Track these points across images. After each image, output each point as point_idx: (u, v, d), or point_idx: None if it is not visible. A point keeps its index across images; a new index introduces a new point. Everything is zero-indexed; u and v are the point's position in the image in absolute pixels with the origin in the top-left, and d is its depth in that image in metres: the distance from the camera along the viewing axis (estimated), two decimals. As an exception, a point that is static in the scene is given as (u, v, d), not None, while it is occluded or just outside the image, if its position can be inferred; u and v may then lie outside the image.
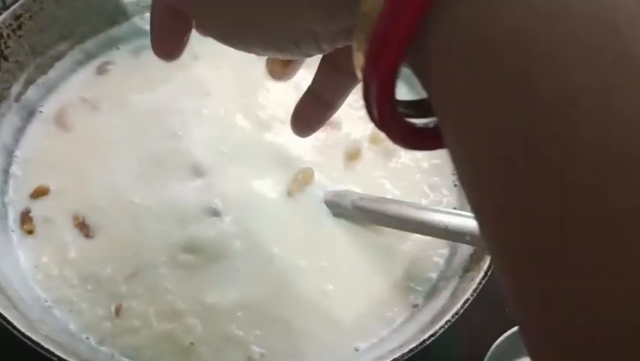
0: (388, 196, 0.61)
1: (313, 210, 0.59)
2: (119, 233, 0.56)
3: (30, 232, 0.56)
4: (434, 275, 0.57)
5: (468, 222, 0.52)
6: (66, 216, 0.57)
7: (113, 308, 0.53)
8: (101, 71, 0.67)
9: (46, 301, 0.53)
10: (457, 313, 0.49)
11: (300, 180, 0.60)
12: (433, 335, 0.47)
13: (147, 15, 0.68)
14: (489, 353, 0.61)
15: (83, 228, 0.56)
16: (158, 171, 0.60)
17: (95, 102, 0.64)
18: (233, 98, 0.66)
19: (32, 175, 0.59)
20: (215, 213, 0.58)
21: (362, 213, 0.58)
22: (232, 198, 0.59)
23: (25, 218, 0.57)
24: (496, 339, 0.62)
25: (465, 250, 0.56)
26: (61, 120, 0.63)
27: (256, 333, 0.53)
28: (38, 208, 0.57)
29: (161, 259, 0.55)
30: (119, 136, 0.62)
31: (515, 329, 0.62)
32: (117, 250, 0.56)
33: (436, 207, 0.57)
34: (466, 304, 0.49)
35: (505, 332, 0.62)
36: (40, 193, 0.58)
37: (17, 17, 0.60)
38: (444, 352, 0.72)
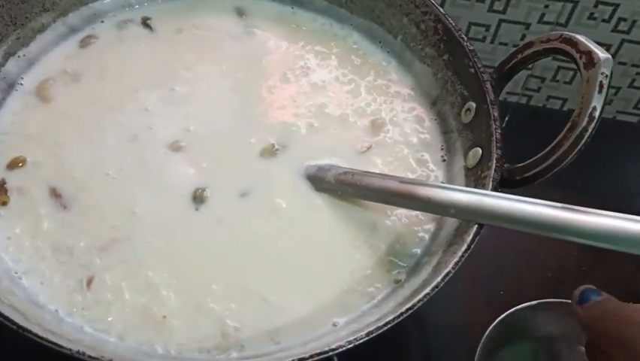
0: (375, 170, 0.59)
1: (294, 184, 0.58)
2: (94, 206, 0.55)
3: (4, 203, 0.55)
4: (418, 251, 0.55)
5: (452, 194, 0.49)
6: (42, 187, 0.56)
7: (84, 281, 0.52)
8: (85, 44, 0.66)
9: (16, 273, 0.52)
10: (436, 286, 0.46)
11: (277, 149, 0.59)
12: (410, 308, 0.45)
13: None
14: (485, 335, 0.59)
15: (58, 199, 0.55)
16: (135, 145, 0.59)
17: (77, 75, 0.63)
18: (217, 72, 0.65)
19: (9, 147, 0.58)
20: (194, 187, 0.56)
21: (345, 188, 0.56)
22: (210, 171, 0.58)
23: (0, 189, 0.55)
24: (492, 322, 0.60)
25: (451, 225, 0.54)
26: (41, 93, 0.61)
27: (231, 307, 0.51)
28: (14, 179, 0.56)
29: (136, 232, 0.54)
30: (98, 109, 0.61)
31: (512, 310, 0.61)
32: (92, 223, 0.54)
33: (420, 181, 0.55)
34: (447, 278, 0.47)
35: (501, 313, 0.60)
36: (16, 164, 0.57)
37: (-3, -13, 0.59)
38: (440, 335, 0.71)
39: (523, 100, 1.00)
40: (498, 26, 0.90)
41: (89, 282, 0.51)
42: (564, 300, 0.61)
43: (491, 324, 0.61)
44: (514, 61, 0.57)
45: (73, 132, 0.59)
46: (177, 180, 0.57)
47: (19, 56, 0.63)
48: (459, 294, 0.70)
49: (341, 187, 0.56)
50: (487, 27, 0.90)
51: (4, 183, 0.56)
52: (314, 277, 0.54)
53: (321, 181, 0.57)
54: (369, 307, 0.52)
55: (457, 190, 0.50)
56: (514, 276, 0.73)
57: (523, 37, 0.90)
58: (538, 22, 0.88)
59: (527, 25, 0.89)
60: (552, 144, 0.50)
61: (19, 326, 0.42)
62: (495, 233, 0.51)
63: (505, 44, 0.92)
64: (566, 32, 0.53)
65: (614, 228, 0.43)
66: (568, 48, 0.52)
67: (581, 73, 0.50)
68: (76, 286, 0.51)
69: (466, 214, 0.49)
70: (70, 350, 0.42)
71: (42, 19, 0.64)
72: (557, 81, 0.97)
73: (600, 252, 0.70)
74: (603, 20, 0.87)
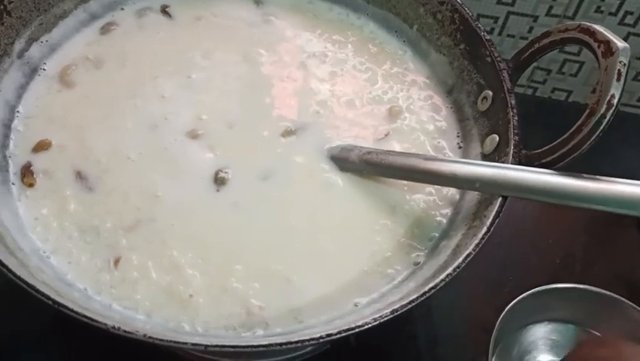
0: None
1: (314, 166, 0.59)
2: (118, 188, 0.56)
3: (31, 185, 0.56)
4: (436, 235, 0.57)
5: (476, 169, 0.51)
6: (67, 169, 0.57)
7: (111, 260, 0.53)
8: (105, 31, 0.67)
9: (44, 253, 0.53)
10: (458, 267, 0.48)
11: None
12: (433, 288, 0.47)
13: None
14: (500, 319, 0.60)
15: (83, 182, 0.56)
16: (154, 132, 0.60)
17: (98, 61, 0.64)
18: (235, 59, 0.66)
19: (34, 130, 0.59)
20: (217, 174, 0.58)
21: (369, 167, 0.57)
22: (229, 154, 0.59)
23: (26, 171, 0.56)
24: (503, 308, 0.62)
25: (468, 209, 0.55)
26: (64, 78, 0.62)
27: (255, 286, 0.52)
28: (40, 162, 0.57)
29: (160, 214, 0.55)
30: (119, 95, 0.62)
31: (525, 294, 0.62)
32: (116, 205, 0.55)
33: (443, 157, 0.56)
34: (468, 259, 0.48)
35: (512, 300, 0.62)
36: (41, 147, 0.58)
37: (22, -28, 0.60)
38: (451, 321, 0.72)
39: (529, 92, 1.02)
40: (506, 18, 0.91)
41: (116, 261, 0.53)
42: (575, 284, 0.63)
43: (503, 309, 0.62)
44: (530, 50, 0.58)
45: (96, 117, 0.60)
46: (197, 163, 0.58)
47: (42, 42, 0.63)
48: (468, 280, 0.72)
49: (365, 166, 0.57)
50: (496, 19, 0.91)
51: (30, 165, 0.57)
52: (335, 258, 0.55)
53: (345, 161, 0.59)
54: (390, 288, 0.53)
55: (481, 165, 0.51)
56: (523, 262, 0.75)
57: (531, 29, 0.92)
58: (546, 14, 0.89)
59: (535, 18, 0.90)
60: (570, 131, 0.51)
61: (54, 302, 0.43)
62: (502, 221, 0.52)
63: (513, 36, 0.93)
64: (584, 22, 0.54)
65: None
66: (586, 38, 0.53)
67: (598, 62, 0.51)
68: (104, 265, 0.53)
69: (491, 187, 0.51)
70: (105, 324, 0.43)
71: (64, 6, 0.65)
72: (563, 73, 0.98)
73: (607, 239, 0.72)
74: (610, 13, 0.89)
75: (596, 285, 0.64)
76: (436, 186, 0.59)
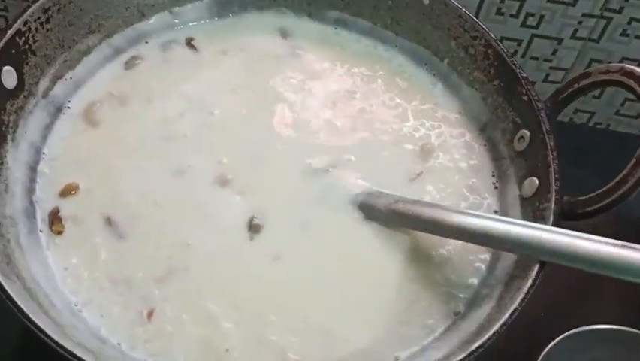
0: (427, 198, 0.59)
1: (344, 213, 0.58)
2: (149, 235, 0.55)
3: (59, 233, 0.54)
4: (475, 281, 0.55)
5: (511, 228, 0.49)
6: (96, 215, 0.56)
7: (145, 312, 0.51)
8: (130, 65, 0.65)
9: (76, 305, 0.51)
10: (504, 324, 0.47)
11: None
12: (480, 347, 0.45)
13: (176, 9, 0.67)
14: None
15: (114, 228, 0.55)
16: (182, 176, 0.58)
17: (123, 98, 0.63)
18: (262, 95, 0.65)
19: (60, 173, 0.57)
20: (250, 221, 0.57)
21: (396, 217, 0.56)
22: (260, 200, 0.58)
23: (55, 218, 0.55)
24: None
25: (508, 256, 0.54)
26: (89, 116, 0.61)
27: (292, 339, 0.51)
28: (68, 207, 0.56)
29: (192, 263, 0.53)
30: (146, 134, 0.60)
31: (565, 335, 0.60)
32: (148, 253, 0.54)
33: (475, 212, 0.55)
34: (514, 314, 0.47)
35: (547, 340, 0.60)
36: (69, 191, 0.56)
37: (46, 10, 0.59)
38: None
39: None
40: (530, 41, 0.89)
41: (150, 314, 0.51)
42: (616, 326, 0.62)
43: (538, 350, 0.61)
44: (569, 90, 0.57)
45: (122, 158, 0.59)
46: (228, 211, 0.57)
47: (66, 79, 0.62)
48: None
49: (392, 216, 0.56)
50: (519, 42, 0.90)
51: (58, 211, 0.55)
52: (373, 309, 0.54)
53: (372, 209, 0.57)
54: (431, 341, 0.52)
55: (517, 225, 0.50)
56: (558, 301, 0.73)
57: (555, 52, 0.90)
58: (571, 37, 0.88)
59: (560, 40, 0.89)
60: (617, 179, 0.50)
61: (94, 368, 0.42)
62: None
63: (536, 59, 0.92)
64: (627, 65, 0.53)
65: None
66: (631, 82, 0.52)
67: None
68: (137, 318, 0.51)
69: (524, 250, 0.49)
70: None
71: (88, 41, 0.64)
72: (586, 94, 0.97)
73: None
74: (636, 37, 0.87)
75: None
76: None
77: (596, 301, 0.74)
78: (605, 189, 0.51)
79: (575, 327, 0.62)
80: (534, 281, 0.49)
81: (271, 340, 0.51)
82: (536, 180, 0.56)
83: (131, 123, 0.61)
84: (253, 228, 0.56)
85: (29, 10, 0.57)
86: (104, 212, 0.56)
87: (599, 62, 0.90)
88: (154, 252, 0.54)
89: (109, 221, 0.55)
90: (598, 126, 0.97)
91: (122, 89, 0.63)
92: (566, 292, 0.74)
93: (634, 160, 0.50)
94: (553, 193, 0.53)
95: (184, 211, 0.56)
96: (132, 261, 0.54)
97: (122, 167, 0.58)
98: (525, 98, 0.59)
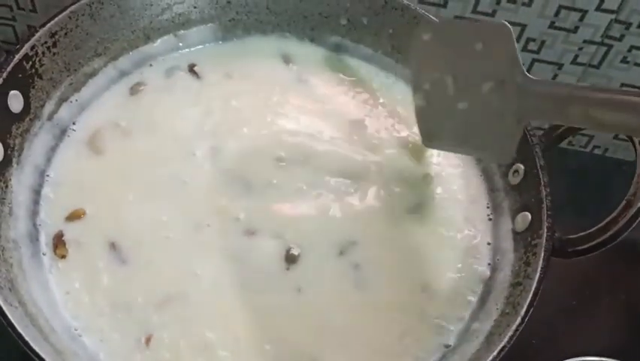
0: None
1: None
2: (152, 261, 0.56)
3: (63, 257, 0.55)
4: (467, 315, 0.57)
5: None
6: (100, 241, 0.56)
7: (143, 339, 0.52)
8: (134, 92, 0.66)
9: (76, 330, 0.52)
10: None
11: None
12: (468, 384, 0.47)
13: (181, 32, 0.68)
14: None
15: (117, 253, 0.56)
16: (190, 209, 0.59)
17: (127, 127, 0.63)
18: (263, 119, 0.66)
19: (65, 198, 0.58)
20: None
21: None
22: (269, 228, 0.59)
23: (59, 242, 0.56)
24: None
25: (500, 291, 0.55)
26: (94, 143, 0.62)
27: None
28: (72, 232, 0.57)
29: (193, 290, 0.55)
30: (150, 162, 0.61)
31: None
32: (150, 278, 0.55)
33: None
34: (503, 352, 0.48)
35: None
36: (76, 216, 0.57)
37: (53, 35, 0.60)
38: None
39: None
40: (531, 65, 0.90)
41: (148, 340, 0.52)
42: (602, 359, 0.63)
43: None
44: (563, 128, 0.58)
45: (128, 187, 0.60)
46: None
47: (71, 101, 0.63)
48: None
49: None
50: (520, 65, 0.91)
51: (62, 235, 0.56)
52: (364, 338, 0.55)
53: None
54: (422, 373, 0.53)
55: None
56: (548, 327, 0.74)
57: (555, 76, 0.91)
58: (571, 62, 0.89)
59: (560, 66, 0.90)
60: (606, 220, 0.51)
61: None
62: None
63: (537, 82, 0.92)
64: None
65: None
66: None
67: (636, 153, 0.51)
68: (135, 344, 0.52)
69: None
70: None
71: (94, 64, 0.65)
72: (581, 132, 0.97)
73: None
74: (636, 64, 0.88)
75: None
76: (466, 263, 0.59)
77: (588, 329, 0.75)
78: (596, 228, 0.52)
79: (568, 357, 0.63)
80: (523, 319, 0.50)
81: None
82: (529, 216, 0.57)
83: (135, 154, 0.62)
84: (289, 258, 0.57)
85: (37, 35, 0.59)
86: (109, 238, 0.57)
87: (599, 87, 0.91)
88: (155, 278, 0.55)
89: (113, 246, 0.56)
90: (596, 151, 0.98)
91: (126, 119, 0.64)
92: (558, 318, 0.75)
93: (624, 202, 0.51)
94: (545, 230, 0.54)
95: (189, 244, 0.57)
96: (133, 286, 0.55)
97: (128, 196, 0.59)
98: (521, 132, 0.60)
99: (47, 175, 0.60)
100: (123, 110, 0.64)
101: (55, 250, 0.56)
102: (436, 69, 0.58)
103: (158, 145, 0.62)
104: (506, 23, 0.52)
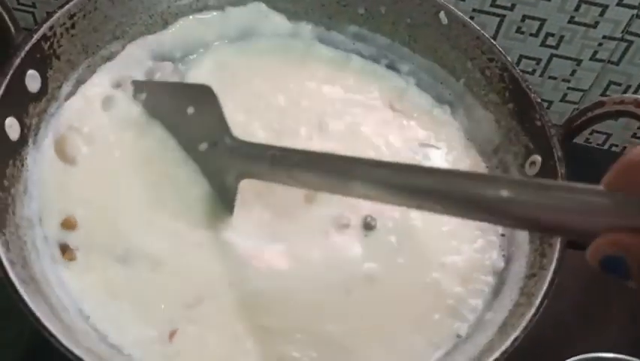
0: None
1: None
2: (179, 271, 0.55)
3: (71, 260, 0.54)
4: (480, 303, 0.56)
5: None
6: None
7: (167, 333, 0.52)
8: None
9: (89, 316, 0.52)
10: (505, 352, 0.47)
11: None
12: (480, 373, 0.46)
13: (200, 15, 0.68)
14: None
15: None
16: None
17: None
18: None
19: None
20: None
21: None
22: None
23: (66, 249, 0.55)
24: None
25: (515, 281, 0.55)
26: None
27: (312, 355, 0.52)
28: (73, 239, 0.55)
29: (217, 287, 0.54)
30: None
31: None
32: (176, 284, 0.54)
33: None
34: (516, 343, 0.48)
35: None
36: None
37: (71, 16, 0.60)
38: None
39: (567, 132, 1.00)
40: (549, 60, 0.90)
41: (172, 334, 0.52)
42: (620, 355, 0.62)
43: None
44: (582, 119, 0.58)
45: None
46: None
47: (87, 84, 0.63)
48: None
49: None
50: (538, 61, 0.90)
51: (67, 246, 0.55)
52: (388, 326, 0.54)
53: None
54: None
55: None
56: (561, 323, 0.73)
57: (574, 72, 0.90)
58: (590, 59, 0.88)
59: (579, 62, 0.89)
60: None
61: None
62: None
63: (555, 78, 0.92)
64: (641, 97, 0.53)
65: None
66: (644, 115, 0.52)
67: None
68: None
69: None
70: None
71: (111, 47, 0.65)
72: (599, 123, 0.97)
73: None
74: (656, 61, 0.87)
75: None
76: (480, 253, 0.58)
77: (600, 325, 0.74)
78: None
79: (580, 353, 0.63)
80: (537, 309, 0.49)
81: (292, 355, 0.51)
82: (545, 208, 0.56)
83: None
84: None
85: (55, 16, 0.58)
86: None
87: (618, 84, 0.90)
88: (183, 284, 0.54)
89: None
90: (614, 148, 0.97)
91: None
92: (574, 314, 0.74)
93: None
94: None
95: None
96: (157, 287, 0.54)
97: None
98: (538, 123, 0.59)
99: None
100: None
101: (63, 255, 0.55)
102: (163, 127, 0.61)
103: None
104: (209, 86, 0.57)
